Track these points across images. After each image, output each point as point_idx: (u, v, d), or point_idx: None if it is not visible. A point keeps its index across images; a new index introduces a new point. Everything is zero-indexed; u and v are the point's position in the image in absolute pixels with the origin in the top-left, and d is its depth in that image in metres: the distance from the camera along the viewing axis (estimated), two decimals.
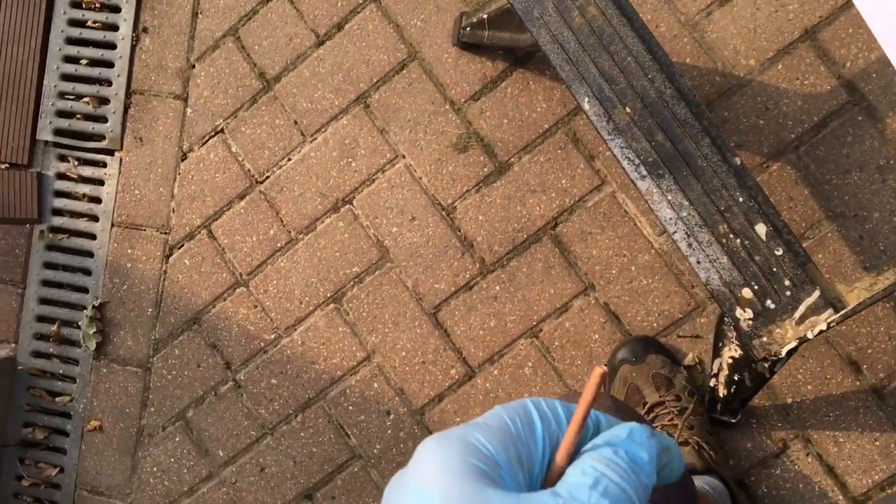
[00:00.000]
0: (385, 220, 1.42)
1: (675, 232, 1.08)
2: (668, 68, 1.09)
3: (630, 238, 1.33)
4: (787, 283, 1.05)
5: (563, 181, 1.36)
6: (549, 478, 0.38)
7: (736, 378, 1.18)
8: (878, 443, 1.25)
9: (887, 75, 1.26)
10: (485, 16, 1.26)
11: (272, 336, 1.46)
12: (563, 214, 1.36)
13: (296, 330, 1.45)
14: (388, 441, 1.42)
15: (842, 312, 1.01)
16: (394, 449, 1.42)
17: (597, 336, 1.35)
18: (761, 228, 1.06)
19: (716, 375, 1.21)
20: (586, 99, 1.09)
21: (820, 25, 1.27)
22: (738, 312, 1.07)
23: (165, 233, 1.52)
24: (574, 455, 0.38)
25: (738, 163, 1.07)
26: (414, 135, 1.41)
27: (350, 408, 1.44)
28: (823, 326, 1.02)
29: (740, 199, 1.06)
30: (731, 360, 1.16)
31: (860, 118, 1.26)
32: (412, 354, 1.41)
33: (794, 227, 1.27)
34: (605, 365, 1.32)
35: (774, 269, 1.05)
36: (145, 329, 1.52)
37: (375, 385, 1.43)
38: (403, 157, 1.41)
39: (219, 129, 1.49)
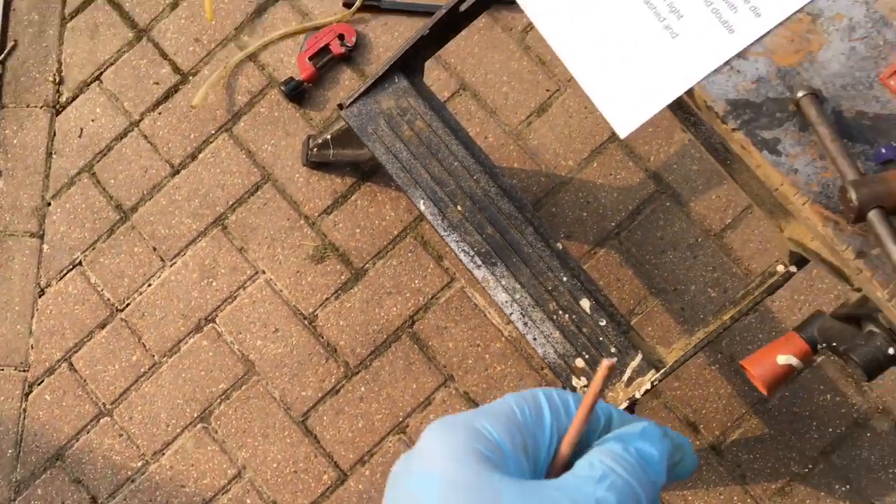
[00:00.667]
0: (249, 334, 1.47)
1: (511, 313, 1.18)
2: (490, 170, 1.22)
3: (482, 328, 1.43)
4: (613, 350, 1.17)
5: (416, 281, 1.45)
6: (553, 468, 0.37)
7: None
8: (722, 496, 1.35)
9: (685, 165, 1.44)
10: (328, 136, 1.38)
11: (139, 463, 1.45)
12: (419, 312, 1.44)
13: (163, 454, 1.44)
14: None
15: (662, 371, 1.13)
16: None
17: None
18: (585, 303, 1.17)
19: None
20: (422, 201, 1.21)
21: None
22: (574, 381, 1.16)
23: (24, 370, 1.50)
24: (580, 447, 0.38)
25: (560, 247, 1.20)
26: (272, 250, 1.48)
27: None
28: (648, 385, 1.13)
29: (564, 279, 1.18)
30: None
31: (668, 204, 1.43)
32: (283, 465, 1.43)
33: (624, 305, 1.41)
34: None
35: (601, 339, 1.16)
36: (5, 471, 1.46)
37: (248, 501, 1.43)
38: (263, 272, 1.48)
39: (77, 262, 1.51)
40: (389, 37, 1.52)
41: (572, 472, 0.36)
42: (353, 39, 1.47)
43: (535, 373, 1.41)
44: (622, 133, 0.60)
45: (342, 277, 1.46)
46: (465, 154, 1.21)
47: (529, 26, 1.50)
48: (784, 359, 0.68)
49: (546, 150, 1.47)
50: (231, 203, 1.50)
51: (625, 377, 1.15)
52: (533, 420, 0.37)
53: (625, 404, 1.14)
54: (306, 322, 1.46)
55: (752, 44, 0.59)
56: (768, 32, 0.59)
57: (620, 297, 1.41)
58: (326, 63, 1.48)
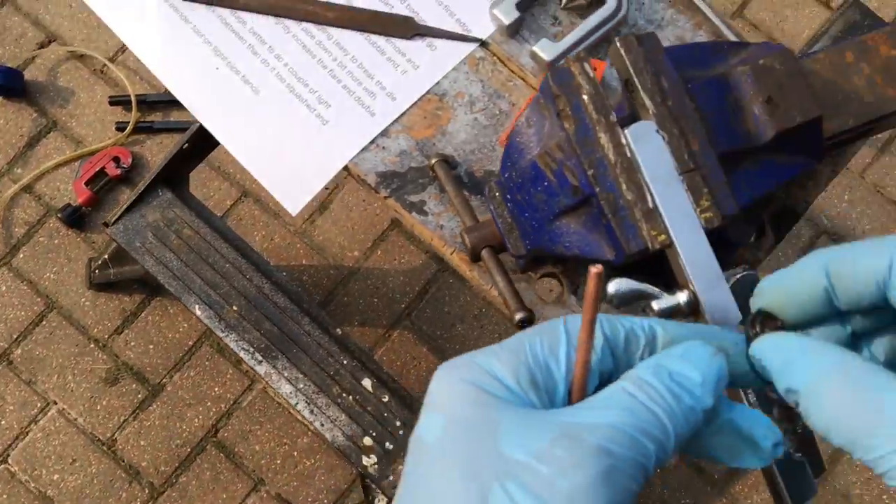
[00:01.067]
0: (45, 469, 1.41)
1: (296, 403, 1.21)
2: (263, 267, 1.26)
3: (287, 426, 1.44)
4: (397, 423, 1.21)
5: (216, 389, 1.45)
6: (571, 401, 0.34)
7: None
8: None
9: None
10: (106, 256, 1.38)
11: None
12: (222, 420, 1.44)
13: None
14: None
15: None
16: None
17: None
18: (367, 382, 1.22)
19: None
20: (197, 306, 1.23)
21: None
22: (365, 461, 1.19)
23: None
24: (611, 376, 0.35)
25: (339, 332, 1.25)
26: (62, 379, 1.45)
27: None
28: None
29: (345, 362, 1.22)
30: None
31: (451, 280, 1.52)
32: None
33: (421, 381, 1.46)
34: None
35: (385, 415, 1.20)
36: None
37: None
38: (55, 402, 1.43)
39: None
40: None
41: (586, 401, 0.33)
42: (129, 160, 1.50)
43: (347, 461, 1.43)
44: (293, 211, 0.66)
45: (139, 396, 1.44)
46: (236, 255, 1.25)
47: None
48: None
49: (332, 245, 1.53)
50: (15, 337, 1.46)
51: None
52: (546, 351, 0.34)
53: None
54: (105, 448, 1.42)
55: (391, 124, 0.67)
56: (404, 113, 0.68)
57: (418, 374, 1.47)
58: (103, 186, 1.50)
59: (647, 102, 0.49)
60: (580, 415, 0.32)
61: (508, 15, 0.66)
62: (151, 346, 1.47)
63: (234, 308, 1.23)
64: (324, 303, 1.49)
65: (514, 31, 0.66)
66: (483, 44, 0.68)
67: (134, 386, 1.45)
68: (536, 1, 0.69)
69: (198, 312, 1.22)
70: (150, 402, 1.44)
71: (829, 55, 0.57)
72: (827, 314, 0.36)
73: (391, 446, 1.19)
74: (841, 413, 0.32)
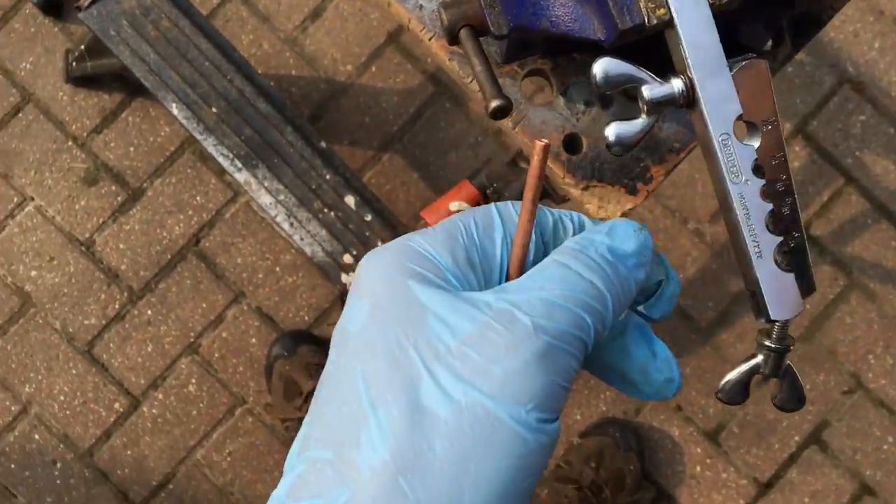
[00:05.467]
0: (22, 265, 1.39)
1: (276, 215, 1.16)
2: (245, 69, 1.18)
3: (270, 241, 1.41)
4: (380, 243, 1.17)
5: (198, 198, 1.41)
6: (509, 279, 0.33)
7: None
8: None
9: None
10: (83, 47, 1.30)
11: None
12: (204, 229, 1.40)
13: None
14: (59, 491, 1.36)
15: None
16: (66, 498, 1.36)
17: (254, 340, 1.39)
18: (350, 199, 1.17)
19: None
20: (174, 105, 1.16)
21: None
22: (344, 278, 1.16)
23: None
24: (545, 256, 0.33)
25: (324, 146, 1.18)
26: (40, 175, 1.40)
27: (12, 466, 1.36)
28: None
29: (328, 177, 1.17)
30: None
31: (448, 105, 1.44)
32: (71, 397, 1.38)
33: (410, 207, 1.41)
34: (265, 363, 1.36)
35: (367, 234, 1.16)
36: None
37: (37, 437, 1.37)
38: (32, 199, 1.40)
39: None
40: None
41: (520, 279, 0.32)
42: None
43: (326, 278, 1.41)
44: None
45: (119, 199, 1.40)
46: (217, 53, 1.17)
47: None
48: (456, 205, 0.70)
49: (324, 56, 1.44)
50: None
51: None
52: (482, 232, 0.32)
53: None
54: (83, 248, 1.40)
55: None
56: None
57: (407, 199, 1.42)
58: None
59: None
60: (514, 293, 0.30)
61: None
62: (132, 149, 1.41)
63: (214, 110, 1.16)
64: (312, 118, 1.42)
65: None
66: None
67: (113, 188, 1.40)
68: None
69: (175, 111, 1.16)
70: (130, 206, 1.40)
71: None
72: None
73: None
74: None
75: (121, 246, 1.40)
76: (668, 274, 0.36)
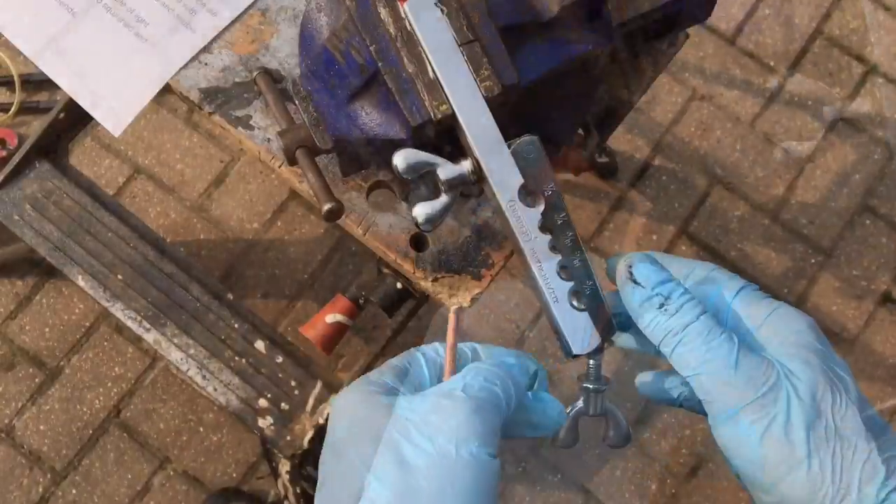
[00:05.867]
0: None
1: (188, 370, 1.19)
2: (147, 235, 1.24)
3: (192, 402, 1.42)
4: (293, 383, 1.20)
5: (117, 369, 1.42)
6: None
7: (299, 490, 1.27)
8: None
9: None
10: None
11: None
12: (124, 399, 1.41)
13: None
14: None
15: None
16: None
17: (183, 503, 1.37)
18: (260, 344, 1.20)
19: (286, 497, 1.29)
20: (80, 277, 1.20)
21: None
22: (261, 422, 1.18)
23: None
24: None
25: (230, 297, 1.23)
26: None
27: None
28: (329, 409, 1.17)
29: (237, 325, 1.21)
30: (288, 474, 1.26)
31: (353, 248, 1.51)
32: None
33: None
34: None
35: (280, 375, 1.19)
36: None
37: None
38: None
39: None
40: None
41: (449, 379, 0.46)
42: (15, 141, 1.47)
43: (253, 434, 1.41)
44: (116, 131, 0.65)
45: (36, 381, 1.41)
46: (119, 224, 1.23)
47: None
48: (332, 318, 0.75)
49: (230, 218, 1.51)
50: None
51: (308, 407, 1.18)
52: (416, 365, 0.47)
53: (311, 433, 1.17)
54: (3, 434, 1.38)
55: (213, 40, 0.67)
56: (226, 28, 0.67)
57: None
58: None
59: None
60: (449, 384, 0.45)
61: None
62: (47, 329, 1.43)
63: (119, 277, 1.21)
64: (224, 276, 1.47)
65: None
66: None
67: (31, 371, 1.41)
68: None
69: (81, 283, 1.20)
70: (49, 386, 1.41)
71: None
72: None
73: (287, 406, 1.18)
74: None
75: (41, 427, 1.39)
76: (542, 383, 0.50)
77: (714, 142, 1.59)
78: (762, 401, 0.42)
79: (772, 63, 1.62)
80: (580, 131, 1.17)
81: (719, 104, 1.60)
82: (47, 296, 1.45)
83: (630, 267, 0.46)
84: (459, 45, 0.49)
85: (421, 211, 0.49)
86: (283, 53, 0.67)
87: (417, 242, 0.65)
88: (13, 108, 1.48)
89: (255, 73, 0.64)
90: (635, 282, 0.45)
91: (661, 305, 0.45)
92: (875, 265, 1.52)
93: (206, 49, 0.67)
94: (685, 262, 0.50)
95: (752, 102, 1.61)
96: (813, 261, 1.53)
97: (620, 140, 1.58)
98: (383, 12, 0.49)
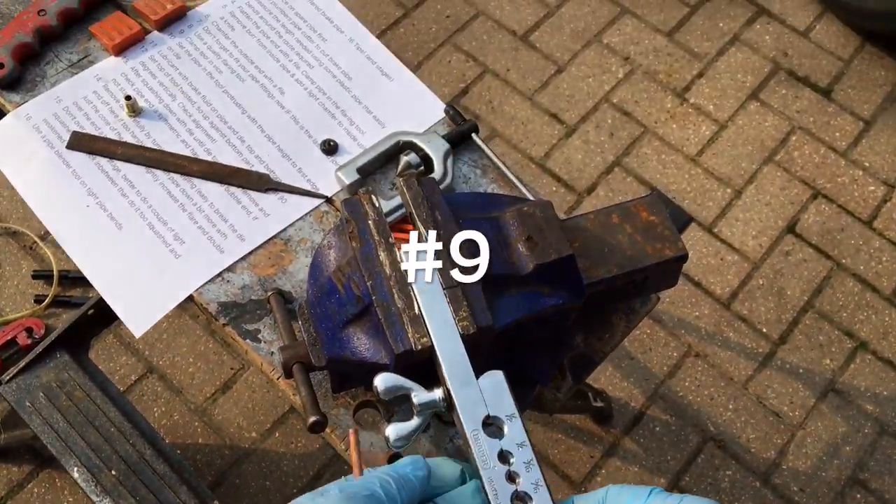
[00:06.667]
0: None
1: None
2: (148, 434, 1.28)
3: None
4: None
5: None
6: None
7: None
8: None
9: None
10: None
11: None
12: None
13: None
14: None
15: None
16: None
17: None
18: None
19: None
20: (76, 469, 1.23)
21: None
22: None
23: None
24: None
25: (216, 503, 1.24)
26: None
27: None
28: None
29: None
30: None
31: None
32: None
33: None
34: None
35: None
36: None
37: None
38: None
39: None
40: None
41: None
42: (42, 331, 1.55)
43: None
44: (137, 332, 0.73)
45: None
46: (123, 420, 1.27)
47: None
48: None
49: (230, 424, 1.55)
50: None
51: None
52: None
53: None
54: None
55: (238, 261, 0.76)
56: (251, 252, 0.76)
57: None
58: (13, 355, 1.53)
59: (422, 230, 0.58)
60: (328, 486, 0.50)
61: (350, 176, 0.78)
62: None
63: (113, 472, 1.23)
64: (214, 483, 1.48)
65: (354, 190, 0.77)
66: (328, 200, 0.79)
67: None
68: (378, 170, 0.81)
69: (75, 475, 1.23)
70: None
71: (598, 216, 0.68)
72: None
73: None
74: None
75: None
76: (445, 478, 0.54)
77: (707, 398, 1.63)
78: None
79: (764, 329, 1.70)
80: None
81: (713, 363, 1.66)
82: (40, 485, 1.46)
83: None
84: (444, 289, 0.57)
85: (392, 430, 0.54)
86: (298, 278, 0.75)
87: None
88: (46, 301, 1.59)
89: (269, 293, 0.72)
90: None
91: None
92: None
93: (230, 268, 0.76)
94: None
95: (745, 364, 1.67)
96: None
97: (617, 387, 1.63)
98: (382, 255, 0.58)
